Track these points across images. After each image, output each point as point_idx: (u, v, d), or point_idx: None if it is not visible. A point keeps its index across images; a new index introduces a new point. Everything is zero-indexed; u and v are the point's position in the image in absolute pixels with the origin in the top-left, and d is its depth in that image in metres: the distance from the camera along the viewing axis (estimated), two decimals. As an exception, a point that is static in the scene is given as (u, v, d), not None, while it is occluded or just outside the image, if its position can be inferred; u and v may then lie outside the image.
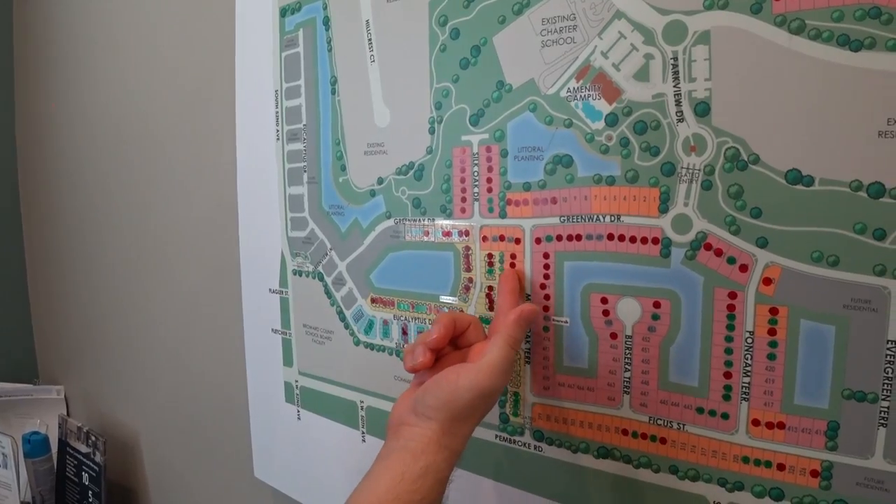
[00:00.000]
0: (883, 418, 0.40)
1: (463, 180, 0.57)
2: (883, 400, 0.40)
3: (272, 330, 0.79)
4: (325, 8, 0.67)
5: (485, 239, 0.56)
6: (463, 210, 0.57)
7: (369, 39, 0.63)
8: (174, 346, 1.05)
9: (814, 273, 0.42)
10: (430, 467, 0.45)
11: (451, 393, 0.46)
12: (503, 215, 0.55)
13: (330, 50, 0.67)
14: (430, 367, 0.50)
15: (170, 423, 1.11)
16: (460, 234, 0.58)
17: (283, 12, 0.71)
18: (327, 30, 0.67)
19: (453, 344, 0.53)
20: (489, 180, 0.55)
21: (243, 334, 0.84)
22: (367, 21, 0.63)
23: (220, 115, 0.84)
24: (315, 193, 0.70)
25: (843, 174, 0.40)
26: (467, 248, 0.58)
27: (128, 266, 1.14)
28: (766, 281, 0.44)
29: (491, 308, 0.57)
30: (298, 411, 0.78)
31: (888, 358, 0.40)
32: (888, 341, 0.40)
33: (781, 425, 0.44)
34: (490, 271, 0.57)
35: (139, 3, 1.01)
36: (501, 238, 0.55)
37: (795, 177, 0.42)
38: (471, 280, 0.58)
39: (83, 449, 1.17)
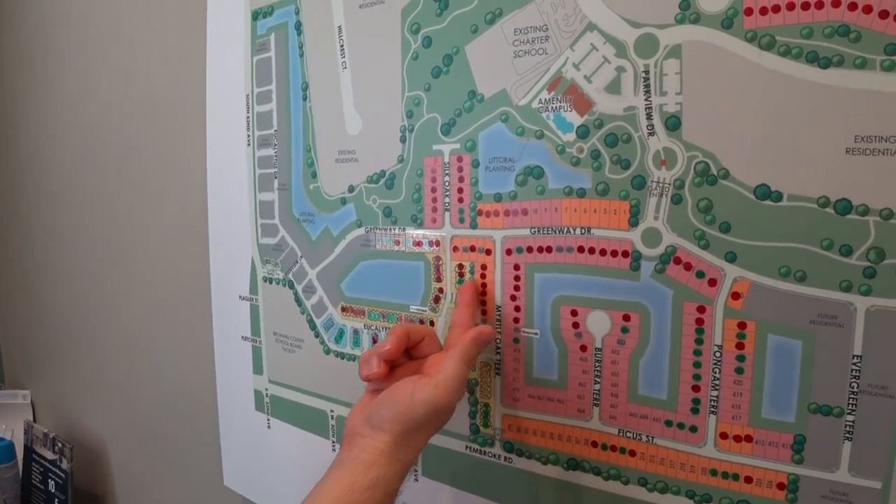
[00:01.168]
0: (848, 432, 0.40)
1: (434, 190, 0.56)
2: (848, 414, 0.40)
3: (242, 337, 0.77)
4: (297, 13, 0.65)
5: (455, 249, 0.56)
6: (434, 220, 0.56)
7: (341, 45, 0.61)
8: (143, 352, 1.03)
9: (782, 288, 0.42)
10: (380, 479, 0.45)
11: (406, 406, 0.46)
12: (474, 226, 0.54)
13: (302, 55, 0.65)
14: (384, 377, 0.49)
15: (138, 430, 1.08)
16: (431, 244, 0.57)
17: (255, 16, 0.70)
18: (299, 35, 0.65)
19: (408, 354, 0.52)
20: (460, 190, 0.54)
21: (213, 341, 0.82)
22: (340, 27, 0.62)
23: (191, 119, 0.82)
24: (286, 200, 0.68)
25: (811, 190, 0.40)
26: (438, 259, 0.57)
27: (96, 270, 1.11)
28: (735, 295, 0.43)
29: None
30: (268, 420, 0.76)
31: (854, 373, 0.40)
32: (854, 356, 0.40)
33: (749, 439, 0.44)
34: (461, 281, 0.56)
35: (109, 4, 0.98)
36: (472, 249, 0.54)
37: (764, 192, 0.41)
38: (441, 290, 0.57)
39: (49, 455, 1.13)
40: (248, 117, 0.72)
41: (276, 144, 0.69)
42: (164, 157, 0.91)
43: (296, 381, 0.71)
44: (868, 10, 0.38)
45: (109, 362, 1.12)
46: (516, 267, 0.52)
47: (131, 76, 0.95)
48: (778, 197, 0.41)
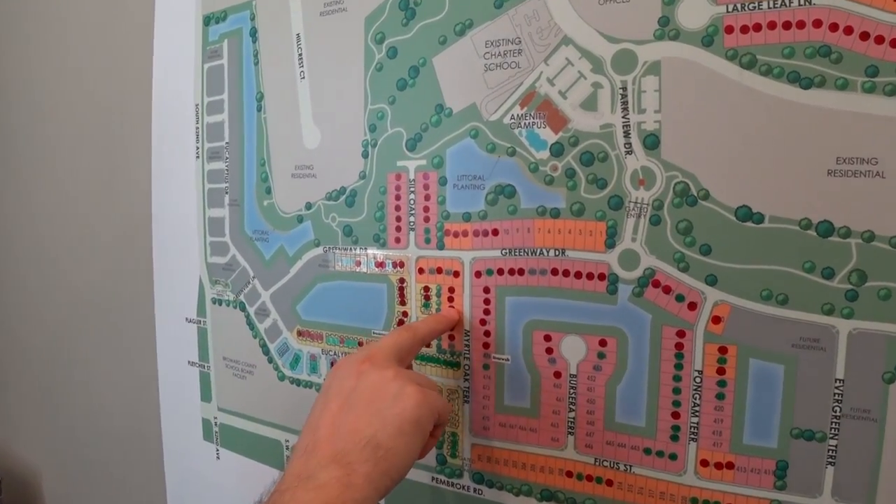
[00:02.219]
0: (831, 457, 0.39)
1: (398, 208, 0.53)
2: (831, 439, 0.39)
3: (189, 362, 0.72)
4: (252, 18, 0.61)
5: (421, 271, 0.52)
6: (397, 240, 0.53)
7: (300, 54, 0.58)
8: (80, 377, 0.96)
9: (763, 311, 0.40)
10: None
11: None
12: (441, 246, 0.51)
13: (257, 63, 0.61)
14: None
15: (76, 461, 1.00)
16: (394, 265, 0.54)
17: (207, 21, 0.65)
18: (254, 42, 0.61)
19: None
20: (426, 209, 0.51)
21: (157, 366, 0.76)
22: (298, 35, 0.58)
23: (136, 129, 0.77)
24: (237, 217, 0.64)
25: (793, 212, 0.39)
26: (402, 281, 0.53)
27: (29, 287, 1.03)
28: (716, 319, 0.42)
29: (428, 346, 0.53)
30: (217, 450, 0.71)
31: (836, 397, 0.39)
32: (836, 380, 0.39)
33: (730, 465, 0.42)
34: (426, 305, 0.52)
35: (49, 4, 0.92)
36: (439, 270, 0.51)
37: (746, 214, 0.40)
38: (405, 314, 0.54)
39: (-27, 489, 1.04)
40: (197, 128, 0.67)
41: (227, 158, 0.64)
42: (106, 169, 0.85)
43: (247, 409, 0.67)
44: (849, 31, 0.37)
45: (43, 387, 1.04)
46: (486, 290, 0.50)
47: (72, 80, 0.89)
48: (759, 219, 0.40)
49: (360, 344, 0.56)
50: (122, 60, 0.80)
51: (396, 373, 0.41)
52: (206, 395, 0.71)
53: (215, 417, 0.70)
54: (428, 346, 0.53)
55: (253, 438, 0.67)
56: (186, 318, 0.71)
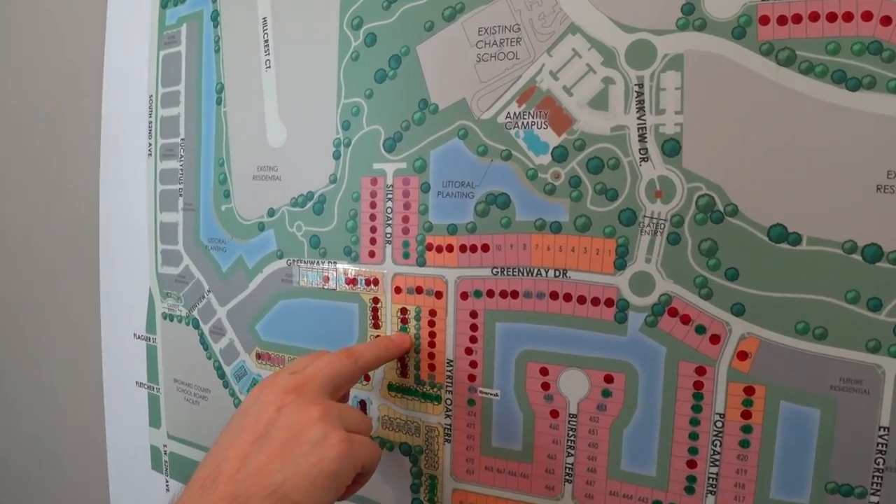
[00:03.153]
0: (871, 517, 0.34)
1: (373, 217, 0.46)
2: (872, 495, 0.34)
3: (136, 383, 0.64)
4: (214, 1, 0.54)
5: (398, 290, 0.46)
6: (372, 254, 0.46)
7: (266, 41, 0.51)
8: (18, 397, 0.86)
9: (798, 347, 0.35)
10: None
11: None
12: (421, 262, 0.44)
13: (217, 51, 0.54)
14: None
15: (12, 491, 0.91)
16: (368, 282, 0.47)
17: (165, 3, 0.58)
18: (216, 26, 0.54)
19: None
20: (405, 219, 0.45)
21: (102, 387, 0.68)
22: (265, 19, 0.51)
23: (84, 122, 0.69)
24: (191, 223, 0.57)
25: (836, 233, 0.34)
26: (376, 301, 0.47)
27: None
28: (742, 355, 0.36)
29: (404, 376, 0.46)
30: (167, 482, 0.63)
31: (879, 447, 0.33)
32: (880, 428, 0.33)
33: (754, 525, 0.36)
34: (404, 328, 0.46)
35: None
36: (418, 290, 0.45)
37: (780, 234, 0.34)
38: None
39: None
40: (150, 122, 0.60)
41: (182, 156, 0.57)
42: (50, 165, 0.76)
43: (200, 437, 0.59)
44: (905, 24, 0.31)
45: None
46: (473, 314, 0.43)
47: (11, 65, 0.80)
48: (796, 240, 0.34)
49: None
50: (71, 47, 0.72)
51: (323, 413, 0.36)
52: (154, 421, 0.63)
53: (165, 445, 0.62)
54: (407, 375, 0.46)
55: (205, 471, 0.59)
56: (134, 334, 0.63)
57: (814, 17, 0.33)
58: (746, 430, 0.36)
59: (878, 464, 0.34)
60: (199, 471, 0.35)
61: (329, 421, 0.35)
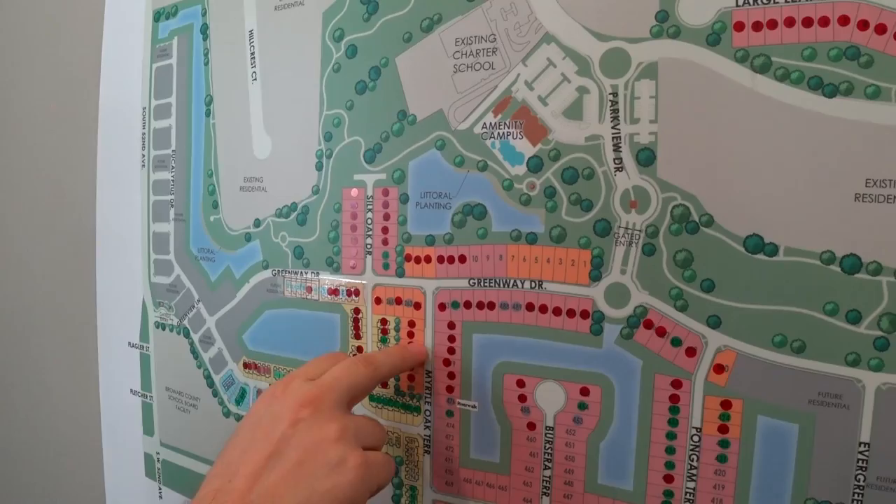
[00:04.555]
0: (852, 535, 0.32)
1: (354, 228, 0.45)
2: None
3: (131, 391, 0.63)
4: (203, 14, 0.54)
5: (378, 301, 0.44)
6: (353, 265, 0.45)
7: (252, 53, 0.50)
8: (16, 404, 0.86)
9: (775, 360, 0.33)
10: None
11: None
12: (400, 273, 0.43)
13: (207, 63, 0.53)
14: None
15: (8, 497, 0.90)
16: (349, 293, 0.46)
17: (157, 16, 0.58)
18: (205, 39, 0.54)
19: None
20: (385, 230, 0.44)
21: (98, 394, 0.68)
22: (251, 31, 0.50)
23: (80, 134, 0.69)
24: (182, 233, 0.56)
25: (813, 243, 0.32)
26: (357, 311, 0.45)
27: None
28: (718, 368, 0.34)
29: (384, 386, 0.45)
30: (160, 489, 0.62)
31: (860, 463, 0.32)
32: (861, 443, 0.32)
33: (731, 541, 0.34)
34: (384, 339, 0.44)
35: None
36: (398, 301, 0.43)
37: (756, 244, 0.33)
38: (360, 349, 0.46)
39: None
40: (143, 134, 0.59)
41: (173, 167, 0.56)
42: (48, 176, 0.76)
43: (191, 445, 0.58)
44: (882, 29, 0.30)
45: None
46: (451, 325, 0.42)
47: (14, 76, 0.80)
48: (773, 250, 0.33)
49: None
50: (67, 59, 0.72)
51: (341, 431, 0.33)
52: (147, 429, 0.62)
53: (158, 453, 0.62)
54: (387, 385, 0.45)
55: (197, 478, 0.58)
56: (129, 343, 0.63)
57: (789, 22, 0.32)
58: (724, 444, 0.34)
59: (859, 480, 0.32)
60: (209, 482, 0.33)
61: (347, 440, 0.33)
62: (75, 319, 0.73)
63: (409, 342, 0.43)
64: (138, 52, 0.60)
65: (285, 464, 0.32)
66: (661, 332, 0.35)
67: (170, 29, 0.57)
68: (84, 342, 0.70)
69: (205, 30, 0.54)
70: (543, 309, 0.38)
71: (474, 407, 0.41)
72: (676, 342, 0.35)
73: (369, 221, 0.44)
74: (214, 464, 0.34)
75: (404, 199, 0.43)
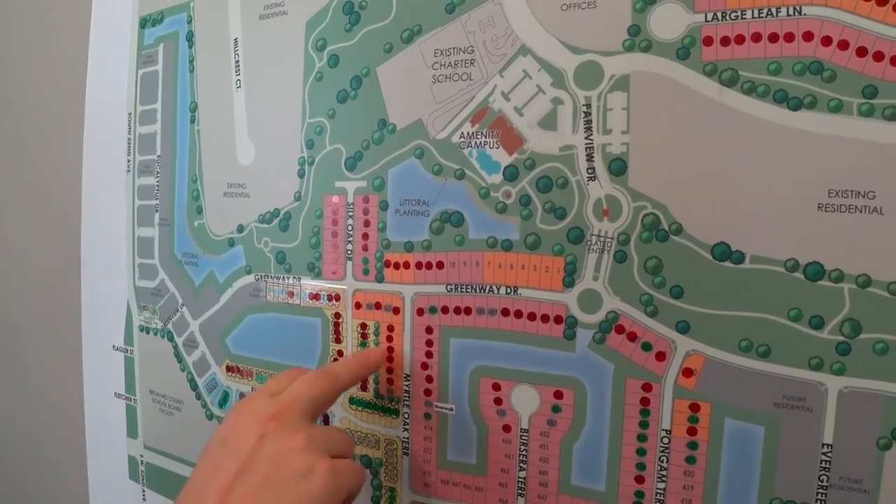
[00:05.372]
0: (816, 534, 0.32)
1: (335, 234, 0.45)
2: None
3: (115, 394, 0.63)
4: (189, 21, 0.54)
5: (358, 306, 0.45)
6: (334, 271, 0.45)
7: (236, 61, 0.50)
8: (0, 407, 0.85)
9: (742, 364, 0.33)
10: None
11: None
12: (380, 279, 0.43)
13: (192, 70, 0.53)
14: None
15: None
16: (330, 298, 0.46)
17: (144, 23, 0.57)
18: (190, 47, 0.53)
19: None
20: (365, 236, 0.44)
21: (83, 397, 0.67)
22: (236, 39, 0.50)
23: (66, 138, 0.68)
24: (167, 237, 0.56)
25: (778, 251, 0.32)
26: (337, 316, 0.45)
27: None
28: (687, 372, 0.35)
29: (364, 389, 0.45)
30: (144, 491, 0.62)
31: (823, 464, 0.32)
32: (824, 445, 0.32)
33: (700, 540, 0.35)
34: (364, 344, 0.45)
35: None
36: (377, 306, 0.44)
37: (723, 252, 0.33)
38: (340, 353, 0.46)
39: None
40: (129, 139, 0.59)
41: (158, 172, 0.56)
42: (34, 179, 0.76)
43: (174, 448, 0.58)
44: (844, 45, 0.31)
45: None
46: (429, 330, 0.42)
47: (1, 82, 0.80)
48: (739, 258, 0.33)
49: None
50: (54, 65, 0.72)
51: (307, 440, 0.33)
52: (132, 431, 0.62)
53: (141, 456, 0.61)
54: (367, 388, 0.45)
55: (180, 481, 0.58)
56: (113, 346, 0.62)
57: (756, 37, 0.32)
58: (692, 446, 0.35)
59: (823, 480, 0.32)
60: (181, 502, 0.33)
61: (313, 449, 0.33)
62: (60, 322, 0.72)
63: (389, 346, 0.43)
64: (124, 58, 0.59)
65: (254, 477, 0.32)
66: (632, 337, 0.36)
67: (156, 35, 0.57)
68: (69, 345, 0.69)
69: (190, 37, 0.54)
70: (518, 314, 0.39)
71: (451, 410, 0.42)
72: (647, 347, 0.35)
73: (350, 228, 0.44)
74: (185, 485, 0.34)
75: (384, 206, 0.43)
